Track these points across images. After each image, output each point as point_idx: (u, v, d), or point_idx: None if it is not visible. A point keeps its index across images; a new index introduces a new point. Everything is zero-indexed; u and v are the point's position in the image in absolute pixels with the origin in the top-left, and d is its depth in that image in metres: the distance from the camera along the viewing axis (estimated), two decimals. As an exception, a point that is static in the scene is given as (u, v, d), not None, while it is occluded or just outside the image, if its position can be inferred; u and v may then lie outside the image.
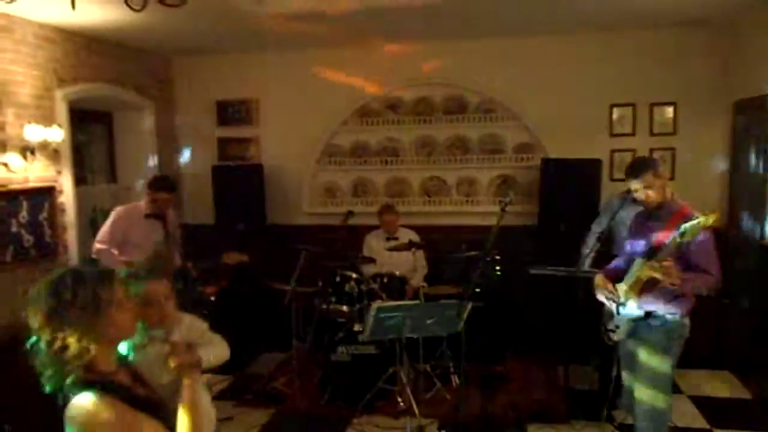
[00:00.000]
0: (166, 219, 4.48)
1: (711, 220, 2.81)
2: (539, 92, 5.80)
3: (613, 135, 5.73)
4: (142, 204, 4.54)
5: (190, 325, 2.27)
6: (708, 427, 4.31)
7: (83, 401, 1.61)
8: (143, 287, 2.14)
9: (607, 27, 5.46)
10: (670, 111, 5.62)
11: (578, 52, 5.70)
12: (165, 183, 4.57)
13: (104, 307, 1.66)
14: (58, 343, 1.60)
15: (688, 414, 4.47)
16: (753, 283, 4.75)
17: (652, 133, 5.66)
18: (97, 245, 4.45)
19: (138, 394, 1.76)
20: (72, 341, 1.61)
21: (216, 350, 2.26)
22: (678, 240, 2.89)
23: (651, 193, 3.21)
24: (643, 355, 3.28)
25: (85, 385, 1.63)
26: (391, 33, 5.60)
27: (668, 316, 3.23)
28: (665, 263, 2.97)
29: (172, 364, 1.88)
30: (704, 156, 5.57)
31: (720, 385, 5.00)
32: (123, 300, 1.75)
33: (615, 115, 5.72)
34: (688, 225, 2.84)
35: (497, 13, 4.90)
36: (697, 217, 2.85)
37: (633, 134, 5.69)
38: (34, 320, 1.63)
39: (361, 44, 5.97)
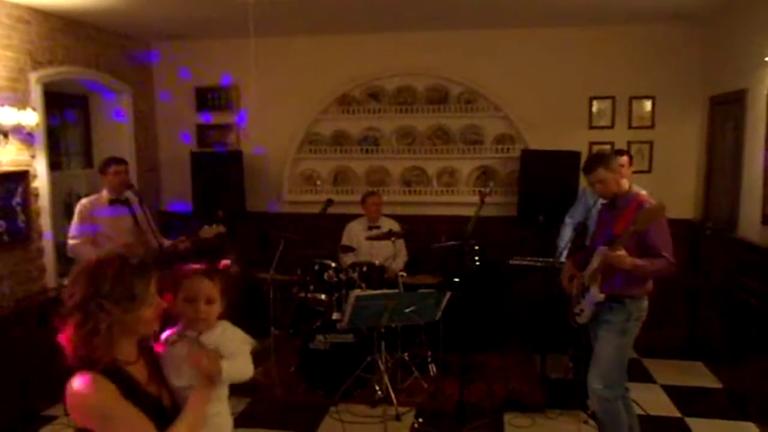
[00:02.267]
0: (130, 203, 4.44)
1: (658, 208, 3.13)
2: (520, 84, 5.83)
3: (592, 127, 5.78)
4: (104, 192, 4.48)
5: (223, 333, 2.09)
6: (679, 415, 4.39)
7: (79, 381, 1.65)
8: (189, 283, 2.02)
9: (588, 21, 5.49)
10: (648, 104, 5.68)
11: (560, 45, 5.73)
12: (112, 158, 4.55)
13: (137, 304, 1.71)
14: (88, 327, 1.66)
15: (660, 403, 4.55)
16: (726, 276, 4.84)
17: (630, 126, 5.72)
18: (71, 241, 4.38)
19: (145, 390, 1.77)
20: (102, 328, 1.66)
21: (240, 366, 2.08)
22: (632, 228, 3.12)
23: (601, 187, 3.46)
24: (602, 336, 3.44)
25: (89, 365, 1.66)
26: (374, 21, 5.57)
27: (627, 299, 3.39)
28: (618, 252, 3.19)
29: (189, 364, 1.90)
30: (681, 149, 5.65)
31: (692, 375, 5.09)
32: (153, 295, 1.79)
33: (594, 108, 5.77)
34: (639, 215, 3.11)
35: (480, 4, 4.90)
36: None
37: (612, 127, 5.75)
38: (70, 299, 1.69)
39: (343, 32, 5.94)
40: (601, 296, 3.35)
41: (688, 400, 4.62)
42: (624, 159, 4.36)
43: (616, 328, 3.39)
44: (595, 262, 3.39)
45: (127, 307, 1.69)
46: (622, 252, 3.18)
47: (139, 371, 1.79)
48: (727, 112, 5.01)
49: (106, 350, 1.68)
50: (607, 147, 5.56)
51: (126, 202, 4.43)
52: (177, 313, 2.02)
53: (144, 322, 1.76)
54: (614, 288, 3.35)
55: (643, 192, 3.56)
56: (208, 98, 6.40)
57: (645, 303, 3.44)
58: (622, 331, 3.39)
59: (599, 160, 3.51)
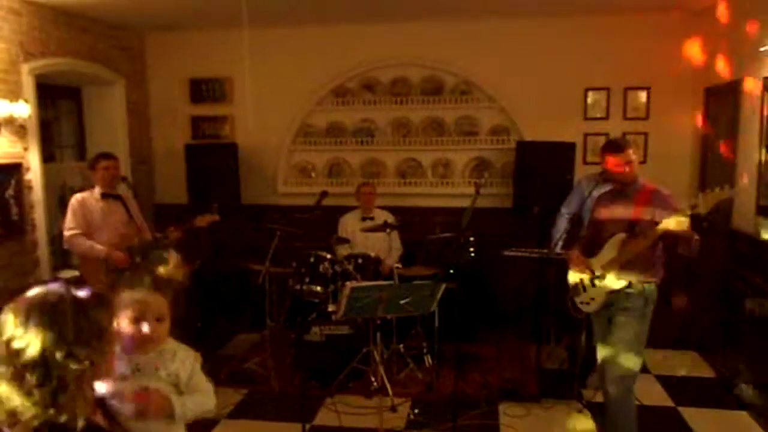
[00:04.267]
0: (123, 198, 4.42)
1: (727, 194, 3.09)
2: (515, 75, 5.81)
3: (587, 119, 5.79)
4: (96, 188, 4.45)
5: (175, 357, 1.91)
6: (673, 405, 4.42)
7: None
8: (134, 300, 1.79)
9: (583, 11, 5.48)
10: (643, 95, 5.68)
11: (555, 36, 5.71)
12: (101, 154, 4.53)
13: (106, 340, 1.41)
14: (52, 385, 1.31)
15: (654, 392, 4.57)
16: (720, 266, 4.86)
17: (625, 117, 5.72)
18: (68, 232, 4.35)
19: None
20: (70, 382, 1.33)
21: (200, 399, 1.91)
22: (689, 212, 3.10)
23: (628, 168, 3.41)
24: (622, 322, 3.43)
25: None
26: (369, 12, 5.55)
27: (645, 285, 3.41)
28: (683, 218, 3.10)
29: (132, 408, 1.70)
30: (676, 140, 5.66)
31: (686, 365, 5.12)
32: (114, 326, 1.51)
33: (589, 99, 5.77)
34: (701, 198, 3.08)
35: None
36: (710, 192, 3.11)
37: (607, 118, 5.75)
38: (16, 355, 1.32)
39: (338, 23, 5.91)
40: (623, 282, 3.38)
41: (682, 389, 4.65)
42: None
43: (636, 314, 3.40)
44: (612, 250, 3.40)
45: (97, 346, 1.37)
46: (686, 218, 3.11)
47: (99, 418, 1.48)
48: (721, 102, 5.01)
49: (74, 409, 1.34)
50: (602, 138, 5.55)
51: (118, 196, 4.42)
52: (117, 335, 1.71)
53: (111, 360, 1.47)
54: (634, 274, 3.37)
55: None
56: (203, 90, 6.37)
57: (655, 288, 3.47)
58: (642, 317, 3.42)
59: (627, 142, 3.55)
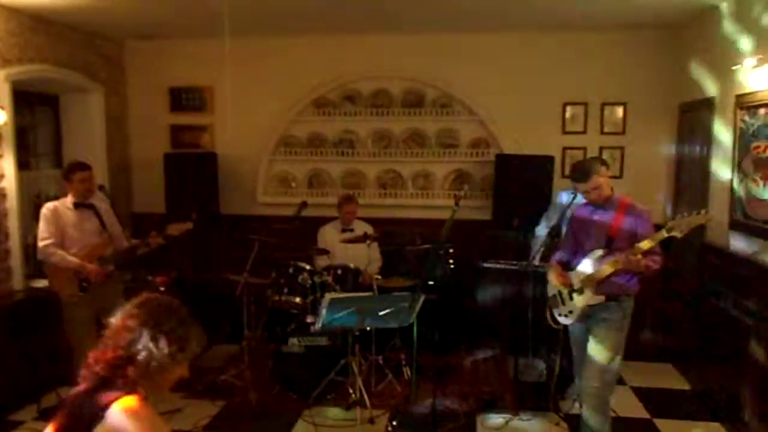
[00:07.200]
0: (96, 208, 4.30)
1: (704, 219, 3.18)
2: (495, 88, 5.88)
3: (565, 132, 5.86)
4: (68, 197, 4.30)
5: None
6: (648, 417, 4.46)
7: (130, 400, 1.68)
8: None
9: (562, 27, 5.57)
10: (620, 111, 5.78)
11: (534, 51, 5.80)
12: (76, 164, 4.37)
13: (180, 358, 1.77)
14: (129, 351, 1.71)
15: (630, 404, 4.61)
16: (695, 280, 4.93)
17: (602, 132, 5.81)
18: (42, 242, 4.16)
19: None
20: (140, 360, 1.71)
21: None
22: (665, 234, 3.18)
23: (596, 192, 3.45)
24: (600, 335, 3.47)
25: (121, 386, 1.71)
26: (350, 24, 5.58)
27: (622, 297, 3.47)
28: (638, 256, 3.21)
29: None
30: (651, 155, 5.75)
31: (661, 377, 5.17)
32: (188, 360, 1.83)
33: (568, 114, 5.85)
34: (677, 222, 3.16)
35: (456, 8, 4.94)
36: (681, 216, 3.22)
37: (584, 132, 5.83)
38: (129, 319, 1.76)
39: (320, 34, 5.93)
40: (601, 297, 3.41)
41: (658, 401, 4.69)
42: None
43: (614, 326, 3.45)
44: (591, 266, 3.43)
45: (174, 354, 1.73)
46: (639, 255, 3.22)
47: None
48: (696, 118, 5.11)
49: (135, 381, 1.70)
50: (580, 152, 5.63)
51: (91, 206, 4.32)
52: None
53: (168, 381, 1.79)
54: (612, 288, 3.42)
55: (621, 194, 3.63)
56: (182, 99, 6.34)
57: (632, 302, 3.52)
58: (620, 329, 3.47)
59: (591, 167, 3.44)
